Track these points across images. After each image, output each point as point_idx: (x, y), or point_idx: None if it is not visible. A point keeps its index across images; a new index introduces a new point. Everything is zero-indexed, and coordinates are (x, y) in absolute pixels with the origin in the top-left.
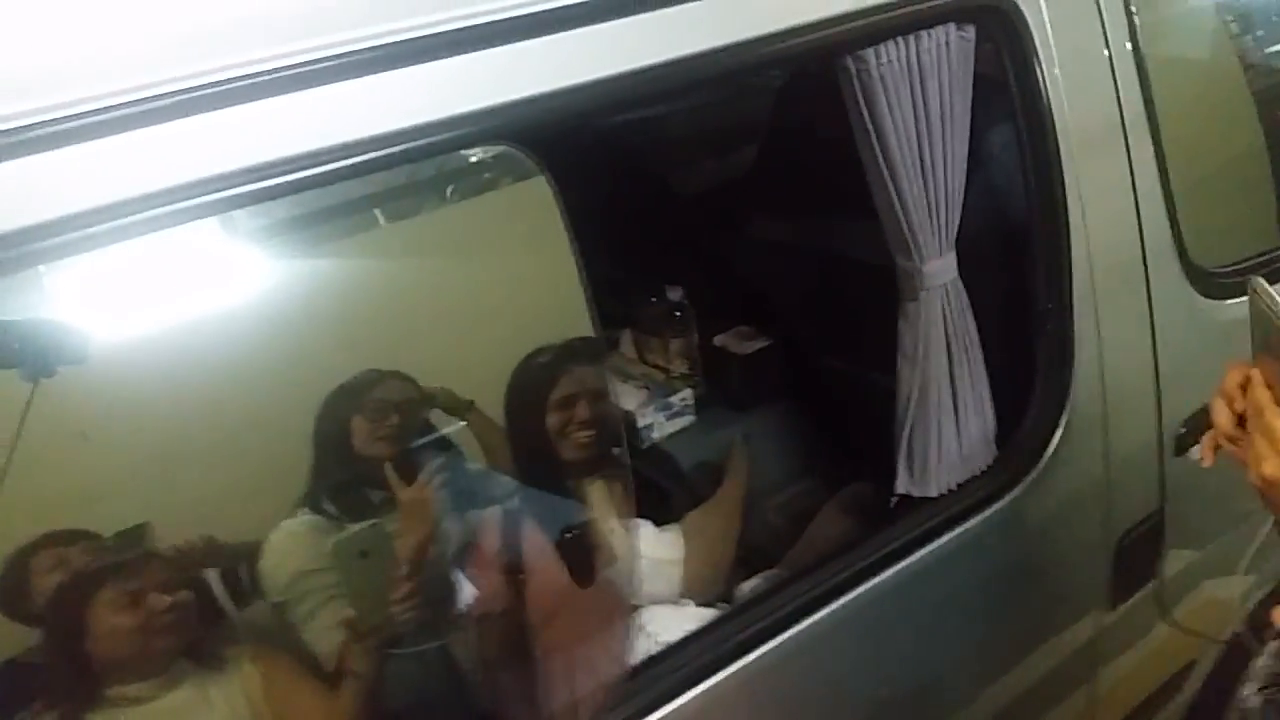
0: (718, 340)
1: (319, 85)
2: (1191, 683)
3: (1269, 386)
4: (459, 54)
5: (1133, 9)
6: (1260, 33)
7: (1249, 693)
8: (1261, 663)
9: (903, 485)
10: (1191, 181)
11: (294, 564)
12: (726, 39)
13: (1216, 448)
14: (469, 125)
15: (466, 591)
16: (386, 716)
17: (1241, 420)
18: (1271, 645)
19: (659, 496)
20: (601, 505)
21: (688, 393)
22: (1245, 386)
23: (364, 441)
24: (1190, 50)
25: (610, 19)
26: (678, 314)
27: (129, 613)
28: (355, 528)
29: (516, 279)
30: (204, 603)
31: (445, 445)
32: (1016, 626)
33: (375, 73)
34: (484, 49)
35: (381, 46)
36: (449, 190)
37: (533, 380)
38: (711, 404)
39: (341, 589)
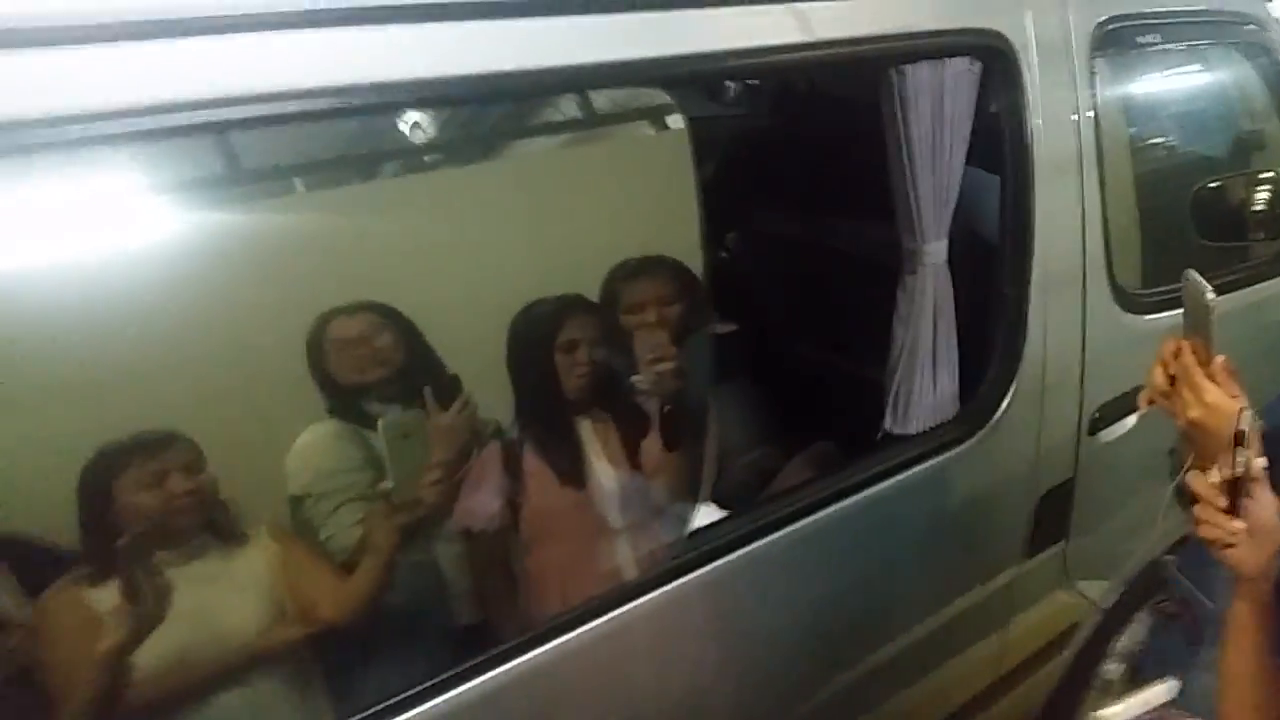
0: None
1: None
2: (1073, 644)
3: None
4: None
5: (1096, 87)
6: (1198, 117)
7: (1111, 666)
8: (1122, 643)
9: (889, 422)
10: (1125, 219)
11: (321, 463)
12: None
13: (1151, 402)
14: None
15: (469, 509)
16: (389, 604)
17: (1172, 381)
18: (1133, 626)
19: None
20: (594, 439)
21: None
22: (1177, 354)
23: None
24: (1135, 120)
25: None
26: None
27: (151, 491)
28: (402, 413)
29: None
30: (226, 487)
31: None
32: (951, 563)
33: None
34: None
35: None
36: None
37: (540, 324)
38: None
39: (361, 491)
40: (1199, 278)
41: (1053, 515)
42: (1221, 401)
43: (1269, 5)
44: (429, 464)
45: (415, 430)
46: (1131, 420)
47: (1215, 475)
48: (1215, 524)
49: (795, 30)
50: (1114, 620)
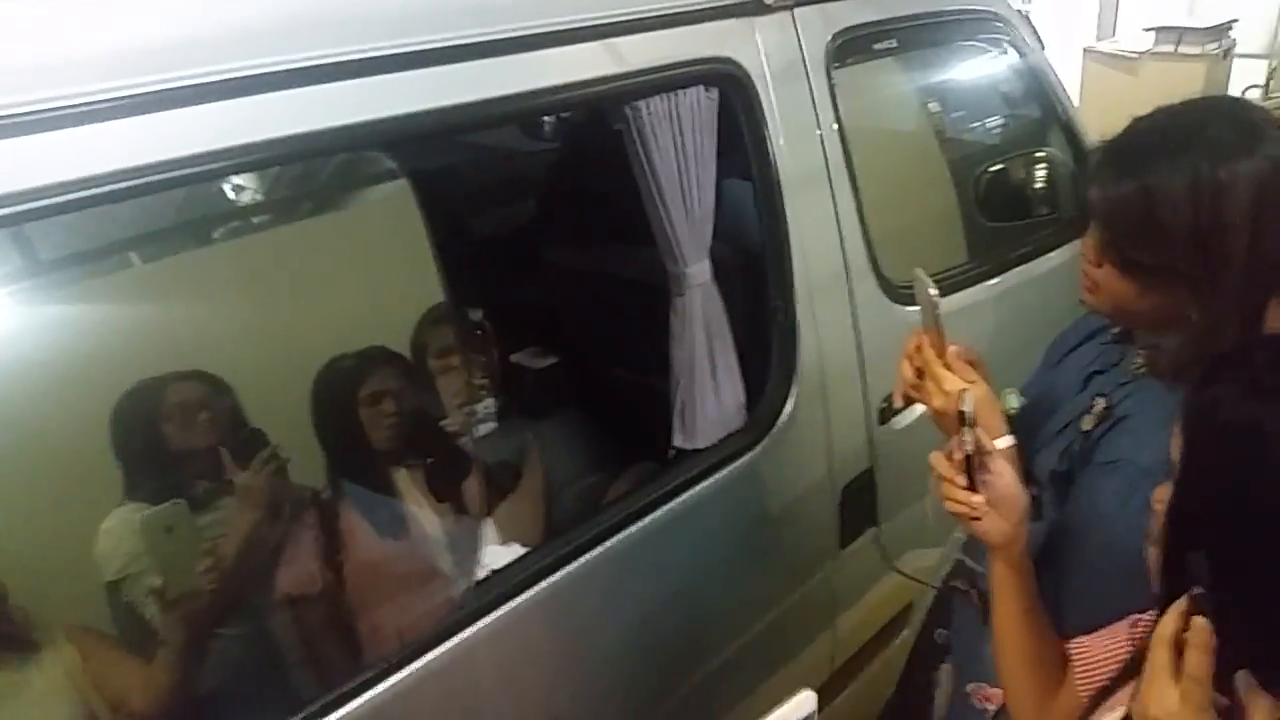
0: (513, 358)
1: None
2: (912, 623)
3: (932, 349)
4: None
5: (836, 94)
6: (958, 113)
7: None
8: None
9: (677, 439)
10: (886, 219)
11: (131, 546)
12: (531, 85)
13: (906, 397)
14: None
15: (284, 571)
16: (202, 688)
17: (920, 373)
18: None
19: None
20: (409, 488)
21: (490, 402)
22: (919, 349)
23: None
24: (888, 124)
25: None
26: (479, 333)
27: None
28: (161, 506)
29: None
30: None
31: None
32: (765, 567)
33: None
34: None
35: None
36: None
37: (341, 379)
38: (510, 413)
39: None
40: (923, 275)
41: (858, 505)
42: (955, 388)
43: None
44: (209, 544)
45: (178, 522)
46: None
47: (952, 454)
48: (957, 499)
49: (537, 76)
50: (947, 593)
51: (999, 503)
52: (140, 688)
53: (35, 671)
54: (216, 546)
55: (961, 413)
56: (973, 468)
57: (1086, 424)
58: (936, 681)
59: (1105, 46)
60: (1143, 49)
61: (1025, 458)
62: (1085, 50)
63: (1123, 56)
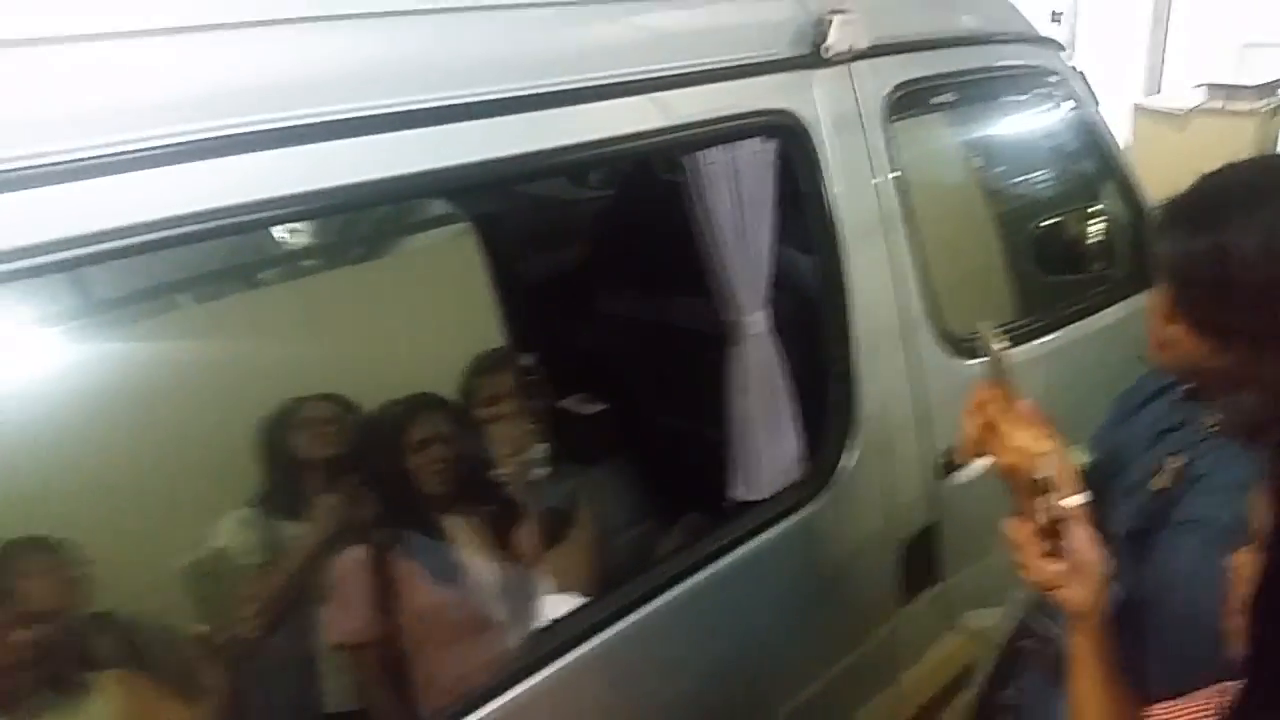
0: (563, 404)
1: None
2: (974, 684)
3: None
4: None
5: (893, 147)
6: (1000, 167)
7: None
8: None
9: (733, 490)
10: (943, 271)
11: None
12: (594, 136)
13: (972, 453)
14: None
15: (335, 618)
16: None
17: (985, 428)
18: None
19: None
20: (459, 535)
21: (541, 448)
22: (984, 403)
23: None
24: (944, 177)
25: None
26: (530, 378)
27: None
28: (205, 551)
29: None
30: (64, 633)
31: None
32: (823, 624)
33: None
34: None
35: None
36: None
37: (389, 425)
38: (558, 460)
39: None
40: (989, 327)
41: (920, 561)
42: (1027, 445)
43: (1063, 55)
44: (261, 584)
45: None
46: (985, 459)
47: (1029, 522)
48: (1037, 569)
49: (600, 128)
50: (1011, 653)
51: (1080, 569)
52: None
53: (82, 717)
54: (261, 590)
55: (1038, 480)
56: (1054, 534)
57: (1161, 482)
58: None
59: (1154, 103)
60: (1192, 105)
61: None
62: (1135, 106)
63: (1172, 112)
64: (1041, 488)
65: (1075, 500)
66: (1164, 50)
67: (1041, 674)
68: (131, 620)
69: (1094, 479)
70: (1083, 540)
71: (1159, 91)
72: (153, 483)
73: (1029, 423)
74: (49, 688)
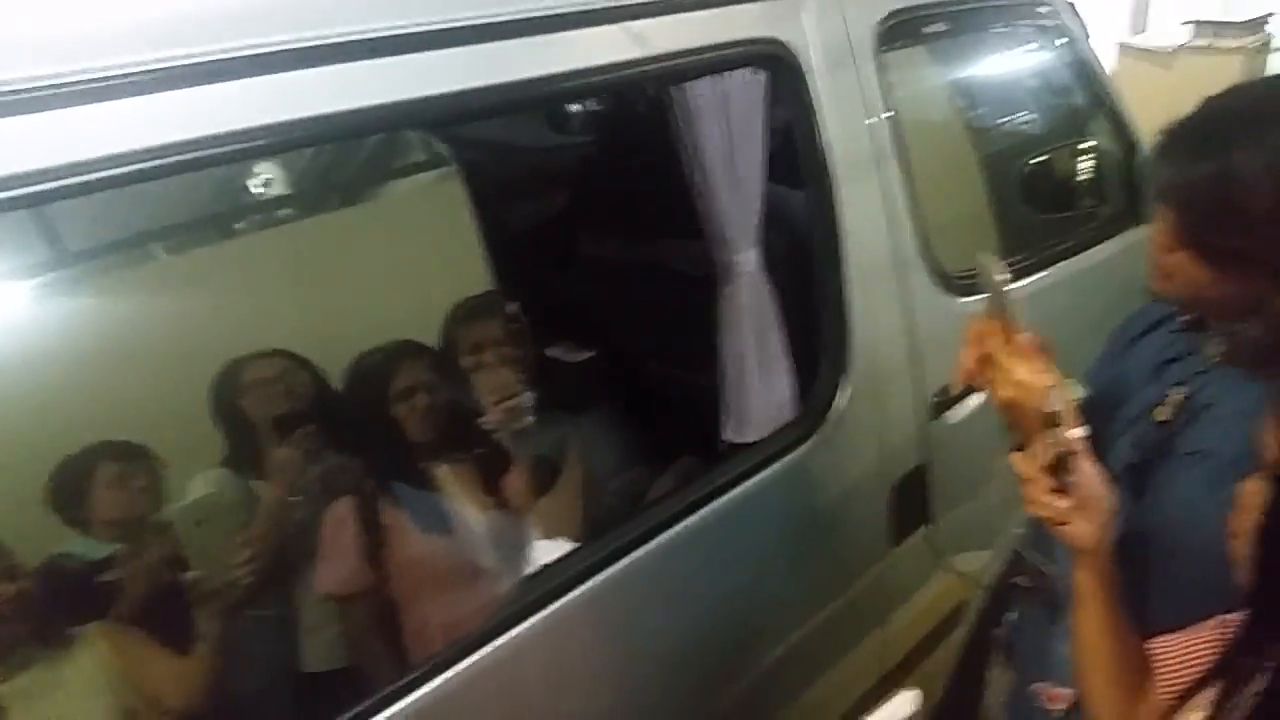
0: (549, 352)
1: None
2: (965, 620)
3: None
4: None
5: (888, 81)
6: (991, 102)
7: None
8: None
9: (726, 433)
10: (935, 208)
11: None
12: (571, 66)
13: (966, 385)
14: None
15: (324, 568)
16: (238, 681)
17: (983, 361)
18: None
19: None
20: (447, 484)
21: (527, 396)
22: (983, 334)
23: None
24: (935, 110)
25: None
26: (514, 326)
27: None
28: (193, 498)
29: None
30: (49, 586)
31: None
32: (815, 564)
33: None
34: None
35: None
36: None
37: (372, 373)
38: (546, 409)
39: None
40: (992, 257)
41: (910, 502)
42: (1030, 379)
43: None
44: (247, 535)
45: (212, 514)
46: (976, 399)
47: (1036, 456)
48: (1043, 503)
49: (576, 57)
50: (1002, 591)
51: (1086, 504)
52: (175, 685)
53: (70, 668)
54: (252, 541)
55: (1048, 414)
56: (1060, 468)
57: (1163, 414)
58: (987, 681)
59: (1139, 41)
60: (1178, 43)
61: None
62: (1120, 45)
63: (1157, 51)
64: (1050, 421)
65: (1077, 433)
66: None
67: (1036, 610)
68: (118, 574)
69: (1092, 413)
70: (1089, 474)
71: (1144, 30)
72: (136, 434)
73: (1031, 356)
74: (36, 641)
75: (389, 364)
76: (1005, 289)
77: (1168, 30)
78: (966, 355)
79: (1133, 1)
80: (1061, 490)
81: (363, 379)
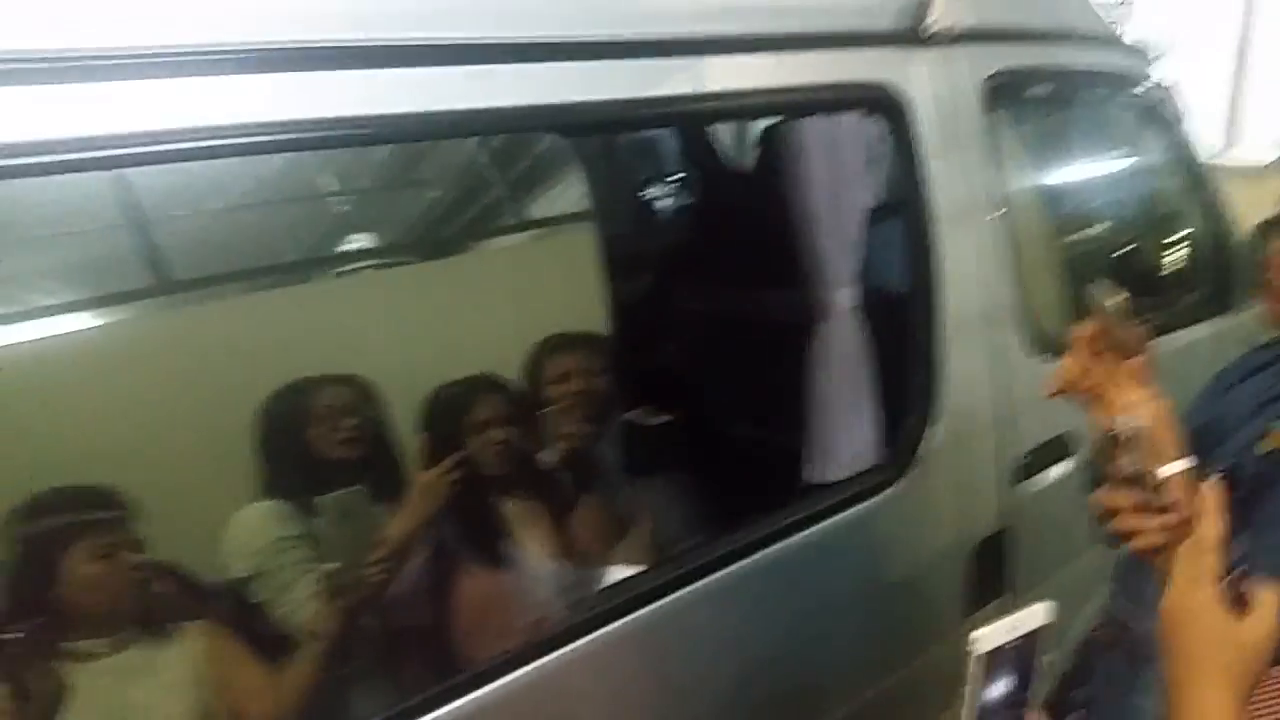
0: (627, 416)
1: None
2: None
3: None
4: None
5: (990, 133)
6: (1088, 171)
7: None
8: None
9: (807, 471)
10: (1041, 266)
11: (268, 535)
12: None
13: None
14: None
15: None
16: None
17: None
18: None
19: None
20: (522, 517)
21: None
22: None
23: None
24: (1035, 172)
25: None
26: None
27: (102, 563)
28: (341, 492)
29: None
30: (164, 573)
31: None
32: (883, 625)
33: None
34: None
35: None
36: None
37: (451, 404)
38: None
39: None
40: (1104, 284)
41: (989, 568)
42: (1139, 406)
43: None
44: (371, 542)
45: (354, 509)
46: (1061, 468)
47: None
48: (1142, 525)
49: (686, 82)
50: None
51: (1186, 525)
52: (261, 700)
53: (164, 656)
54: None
55: (1115, 435)
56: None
57: (1267, 445)
58: None
59: (1229, 157)
60: (1269, 160)
61: None
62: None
63: (1248, 168)
64: (1117, 444)
65: (1181, 466)
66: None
67: (1119, 665)
68: (221, 581)
69: (1191, 449)
70: (1189, 492)
71: (1235, 145)
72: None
73: (1141, 382)
74: (139, 628)
75: (469, 396)
76: (1123, 309)
77: (1259, 146)
78: (1072, 360)
79: (1228, 120)
80: (1158, 509)
81: (440, 409)
